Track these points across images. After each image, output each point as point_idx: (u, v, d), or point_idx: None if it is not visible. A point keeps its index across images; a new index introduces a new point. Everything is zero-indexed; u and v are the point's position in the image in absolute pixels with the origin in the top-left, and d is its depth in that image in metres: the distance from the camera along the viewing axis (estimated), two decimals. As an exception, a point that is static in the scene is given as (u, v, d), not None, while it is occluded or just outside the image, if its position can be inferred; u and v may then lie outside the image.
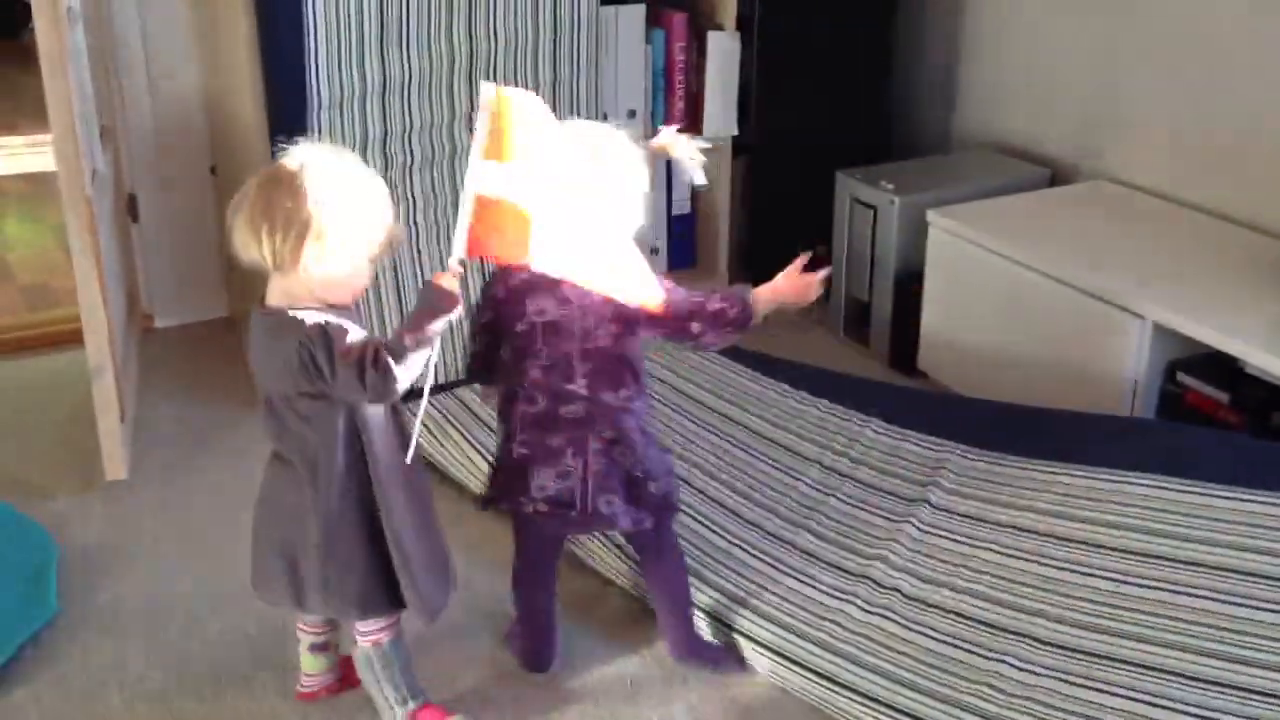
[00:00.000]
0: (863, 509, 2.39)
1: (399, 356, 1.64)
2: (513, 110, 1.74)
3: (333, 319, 1.68)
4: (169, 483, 2.65)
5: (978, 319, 2.87)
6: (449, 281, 1.70)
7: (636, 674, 2.12)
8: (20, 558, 2.35)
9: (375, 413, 1.76)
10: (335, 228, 1.65)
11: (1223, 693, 1.87)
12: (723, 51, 3.31)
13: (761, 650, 2.06)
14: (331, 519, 1.77)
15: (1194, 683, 1.89)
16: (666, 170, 3.48)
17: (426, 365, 1.69)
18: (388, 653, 1.91)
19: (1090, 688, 1.91)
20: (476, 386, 2.19)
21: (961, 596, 2.12)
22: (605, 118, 3.17)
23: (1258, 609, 2.01)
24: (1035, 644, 2.00)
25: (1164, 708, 1.85)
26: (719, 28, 3.32)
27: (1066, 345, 2.66)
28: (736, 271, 3.57)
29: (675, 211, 3.54)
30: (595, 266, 1.79)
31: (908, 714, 1.90)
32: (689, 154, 2.03)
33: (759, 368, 2.92)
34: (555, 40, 3.02)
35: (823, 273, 1.97)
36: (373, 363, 1.63)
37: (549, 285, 1.88)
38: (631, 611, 2.25)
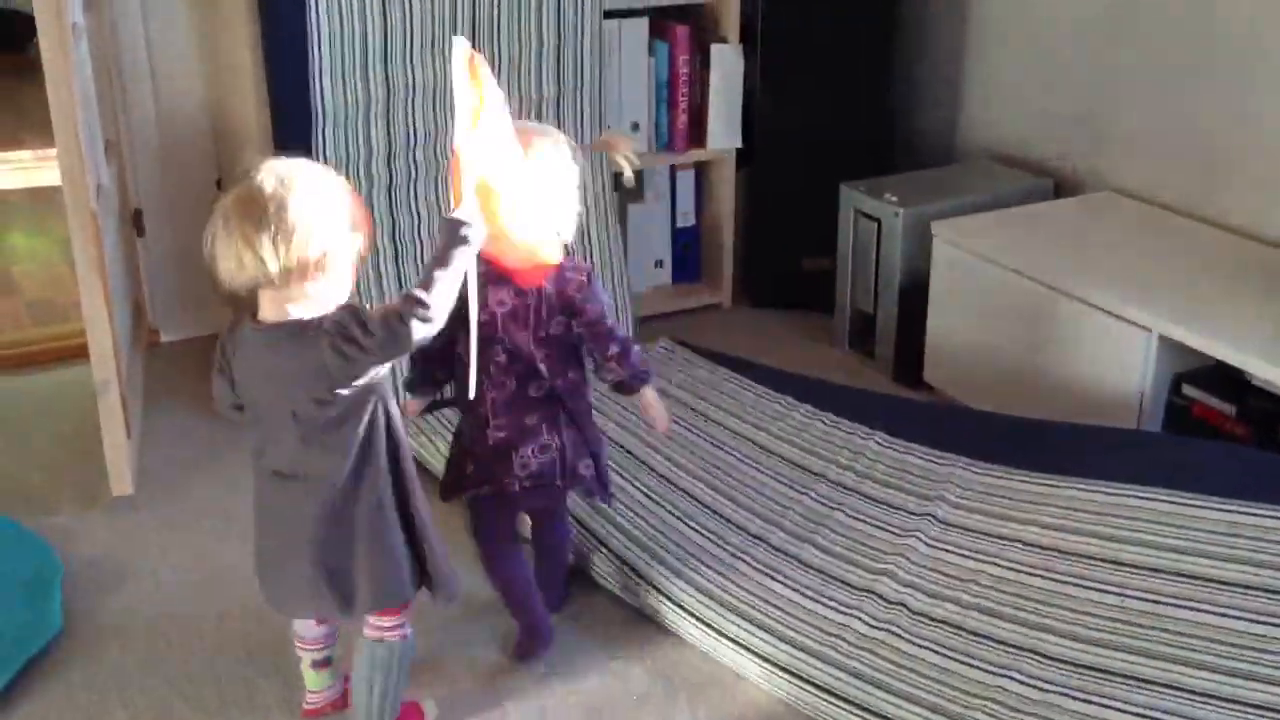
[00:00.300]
0: (868, 523, 2.38)
1: (429, 287, 1.69)
2: (482, 68, 1.79)
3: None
4: (175, 498, 2.65)
5: (983, 331, 2.87)
6: (465, 212, 1.74)
7: (641, 688, 2.11)
8: (25, 574, 2.34)
9: (390, 399, 1.79)
10: (326, 231, 1.67)
11: (1229, 708, 1.86)
12: (726, 64, 3.32)
13: (766, 665, 2.06)
14: (380, 510, 1.79)
15: (1200, 698, 1.89)
16: (671, 184, 3.49)
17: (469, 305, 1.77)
18: (405, 650, 1.91)
19: (1096, 703, 1.90)
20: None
21: (967, 611, 2.11)
22: (609, 130, 3.19)
23: (1266, 624, 2.00)
24: (1041, 659, 1.99)
25: (1171, 723, 1.85)
26: (722, 40, 3.32)
27: (1072, 357, 2.66)
28: (740, 284, 3.58)
29: (679, 224, 3.54)
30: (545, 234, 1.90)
31: (913, 730, 1.90)
32: (625, 151, 2.19)
33: (764, 381, 2.92)
34: (558, 53, 3.02)
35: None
36: (408, 304, 1.67)
37: (504, 277, 1.98)
38: (634, 624, 2.25)
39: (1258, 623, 2.00)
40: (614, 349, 2.05)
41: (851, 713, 1.95)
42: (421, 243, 2.95)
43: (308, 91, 2.73)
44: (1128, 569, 2.16)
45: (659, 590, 2.22)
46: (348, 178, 2.74)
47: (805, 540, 2.34)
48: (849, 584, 2.21)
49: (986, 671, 1.98)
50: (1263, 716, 1.84)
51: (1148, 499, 2.30)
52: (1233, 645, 1.97)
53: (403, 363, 2.01)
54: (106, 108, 2.99)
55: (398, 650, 1.90)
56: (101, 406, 2.54)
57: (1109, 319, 2.56)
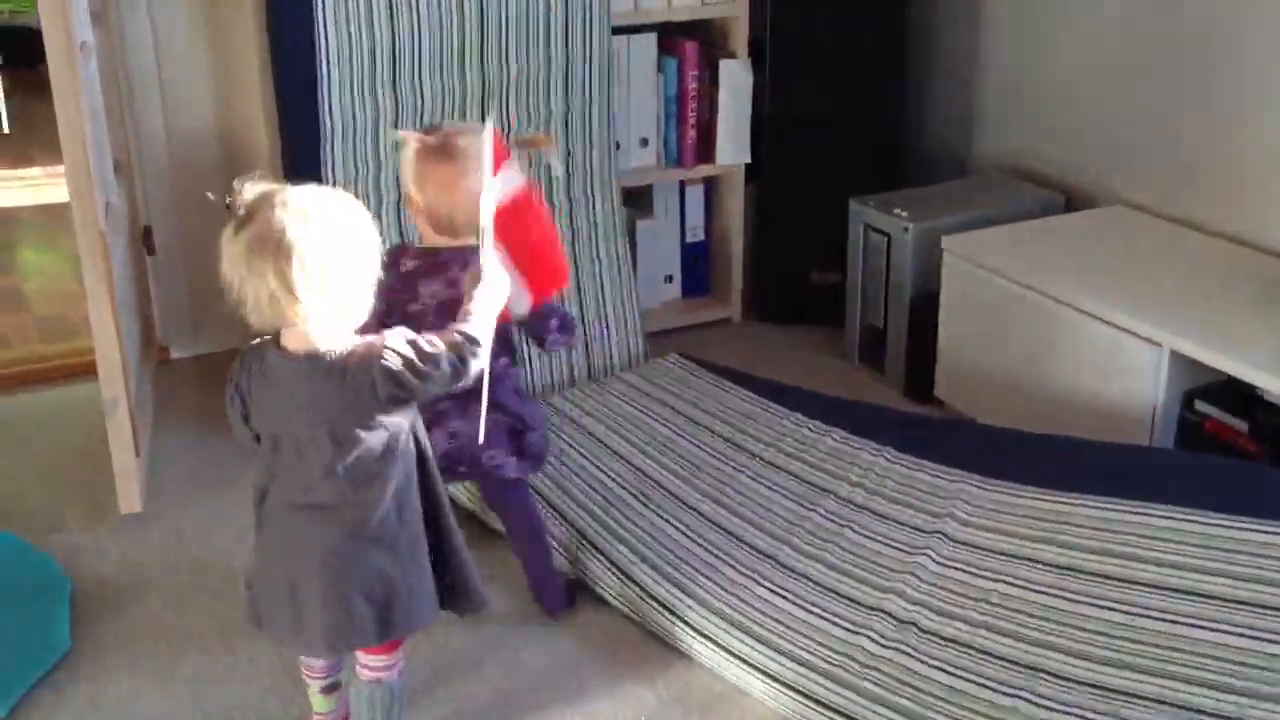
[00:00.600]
0: (878, 540, 2.37)
1: (475, 329, 1.77)
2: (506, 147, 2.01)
3: (372, 337, 1.71)
4: (184, 515, 2.65)
5: (994, 346, 2.85)
6: (490, 270, 1.86)
7: (650, 708, 2.10)
8: (33, 593, 2.35)
9: (420, 424, 1.82)
10: (351, 265, 1.66)
11: (1244, 729, 1.84)
12: (735, 79, 3.31)
13: (775, 684, 2.04)
14: (416, 528, 1.79)
15: (1213, 719, 1.86)
16: (680, 200, 3.49)
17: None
18: (402, 685, 1.90)
19: (1109, 724, 1.88)
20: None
21: (978, 630, 2.10)
22: (618, 146, 3.20)
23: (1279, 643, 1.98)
24: (1053, 679, 1.97)
25: (1184, 744, 1.83)
26: (731, 55, 3.32)
27: (1083, 373, 2.64)
28: (750, 298, 3.57)
29: (688, 239, 3.54)
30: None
31: (924, 751, 1.89)
32: (548, 148, 2.40)
33: (773, 397, 2.91)
34: (567, 70, 3.02)
35: None
36: (468, 342, 1.74)
37: (438, 268, 2.07)
38: (643, 643, 2.24)
39: (1273, 642, 1.98)
40: (555, 321, 2.19)
41: (861, 733, 1.94)
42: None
43: (316, 108, 2.74)
44: (1140, 587, 2.14)
45: (667, 609, 2.21)
46: (356, 193, 2.75)
47: (814, 558, 2.32)
48: (858, 602, 2.20)
49: (998, 692, 1.96)
50: (1277, 737, 1.83)
51: (1160, 516, 2.28)
52: (1247, 665, 1.95)
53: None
54: (116, 126, 3.00)
55: (395, 688, 1.89)
56: (110, 424, 2.54)
57: (1120, 334, 2.54)
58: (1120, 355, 2.55)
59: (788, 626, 2.14)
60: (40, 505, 2.69)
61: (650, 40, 3.25)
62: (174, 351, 3.36)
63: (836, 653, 2.07)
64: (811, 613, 2.18)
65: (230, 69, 3.10)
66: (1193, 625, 2.04)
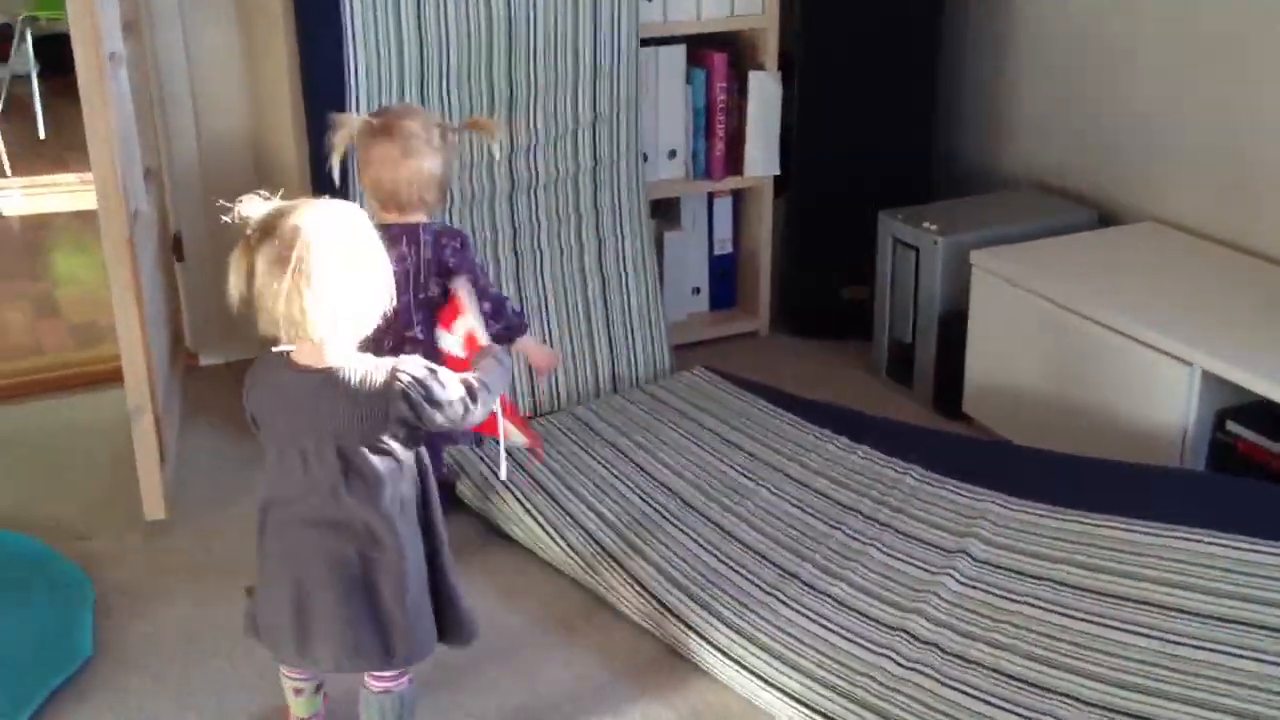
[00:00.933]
0: (901, 560, 2.34)
1: (487, 384, 1.85)
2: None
3: (389, 360, 1.75)
4: (209, 522, 2.66)
5: (1023, 363, 2.82)
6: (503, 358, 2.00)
7: (668, 727, 2.09)
8: (56, 600, 2.36)
9: (424, 450, 1.83)
10: (365, 285, 1.69)
11: (1272, 759, 1.81)
12: (764, 91, 3.30)
13: (796, 704, 2.02)
14: (417, 554, 1.80)
15: (1242, 747, 1.84)
16: (708, 211, 3.47)
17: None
18: (411, 696, 1.90)
19: (1133, 751, 1.85)
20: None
21: (1001, 653, 2.07)
22: (645, 158, 3.19)
23: (1309, 670, 1.95)
24: (1077, 704, 1.95)
25: (1210, 773, 1.80)
26: (760, 67, 3.31)
27: (1113, 391, 2.61)
28: (778, 311, 3.55)
29: (716, 251, 3.52)
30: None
31: (944, 775, 1.86)
32: (493, 132, 2.44)
33: (798, 412, 2.89)
34: (595, 80, 3.02)
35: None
36: (480, 389, 1.82)
37: (390, 243, 2.09)
38: (663, 660, 2.22)
39: (1302, 670, 1.95)
40: (487, 305, 2.29)
41: (881, 755, 1.92)
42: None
43: (345, 118, 2.74)
44: (1169, 612, 2.11)
45: (688, 625, 2.20)
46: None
47: (837, 576, 2.30)
48: (881, 622, 2.17)
49: (1021, 716, 1.93)
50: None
51: (1190, 540, 2.25)
52: (1274, 693, 1.91)
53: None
54: (148, 134, 3.01)
55: (405, 696, 1.89)
56: (135, 432, 2.55)
57: (1150, 353, 2.51)
58: (1150, 374, 2.52)
59: (809, 645, 2.12)
60: (67, 511, 2.70)
61: (679, 52, 3.24)
62: (203, 358, 3.38)
63: (858, 673, 2.05)
64: (834, 632, 2.15)
65: (260, 78, 3.11)
66: (1222, 652, 2.01)
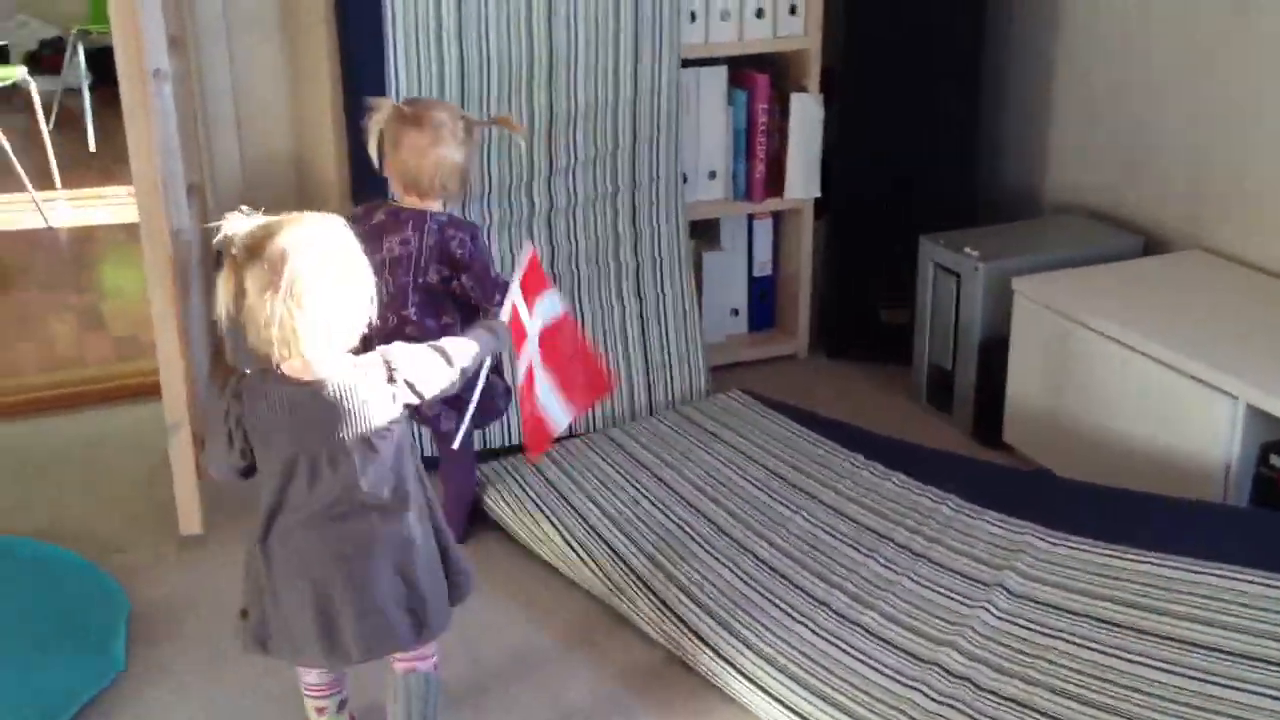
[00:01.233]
0: (935, 591, 2.31)
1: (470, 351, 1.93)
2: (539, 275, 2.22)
3: (376, 357, 1.81)
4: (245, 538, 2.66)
5: (1065, 392, 2.78)
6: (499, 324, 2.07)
7: (695, 756, 2.07)
8: (91, 613, 2.38)
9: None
10: (351, 303, 1.73)
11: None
12: (805, 113, 3.28)
13: (824, 736, 2.00)
14: (429, 529, 1.86)
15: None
16: (748, 233, 3.46)
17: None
18: (437, 678, 1.95)
19: (1169, 794, 1.82)
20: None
21: (1036, 690, 2.03)
22: (685, 179, 3.18)
23: (1353, 715, 1.90)
24: (1111, 744, 1.91)
25: (1248, 820, 1.76)
26: (802, 89, 3.29)
27: (1155, 423, 2.57)
28: (817, 334, 3.53)
29: (756, 273, 3.51)
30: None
31: (974, 813, 1.83)
32: (517, 128, 2.55)
33: (834, 437, 2.86)
34: (635, 101, 3.02)
35: None
36: (449, 357, 1.87)
37: (399, 226, 2.31)
38: (692, 686, 2.20)
39: (1345, 714, 1.90)
40: (499, 297, 2.27)
41: (910, 792, 1.89)
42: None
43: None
44: (1209, 652, 2.06)
45: (716, 652, 2.18)
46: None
47: (869, 606, 2.28)
48: (913, 655, 2.14)
49: (1053, 754, 1.90)
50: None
51: (1231, 577, 2.20)
52: (1317, 737, 1.87)
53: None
54: (191, 151, 3.04)
55: (432, 679, 1.93)
56: (172, 447, 2.57)
57: (1194, 384, 2.47)
58: (1194, 406, 2.47)
59: (839, 676, 2.09)
60: (104, 524, 2.72)
61: (720, 73, 3.24)
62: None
63: (889, 706, 2.02)
64: (864, 663, 2.13)
65: (303, 97, 3.13)
66: (1263, 694, 1.96)
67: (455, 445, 2.37)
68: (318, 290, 1.67)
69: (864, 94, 3.29)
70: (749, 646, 2.17)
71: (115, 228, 4.65)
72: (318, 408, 1.74)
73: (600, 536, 2.51)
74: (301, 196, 3.24)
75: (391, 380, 1.78)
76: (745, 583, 2.35)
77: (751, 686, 2.11)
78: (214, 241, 1.71)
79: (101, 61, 5.60)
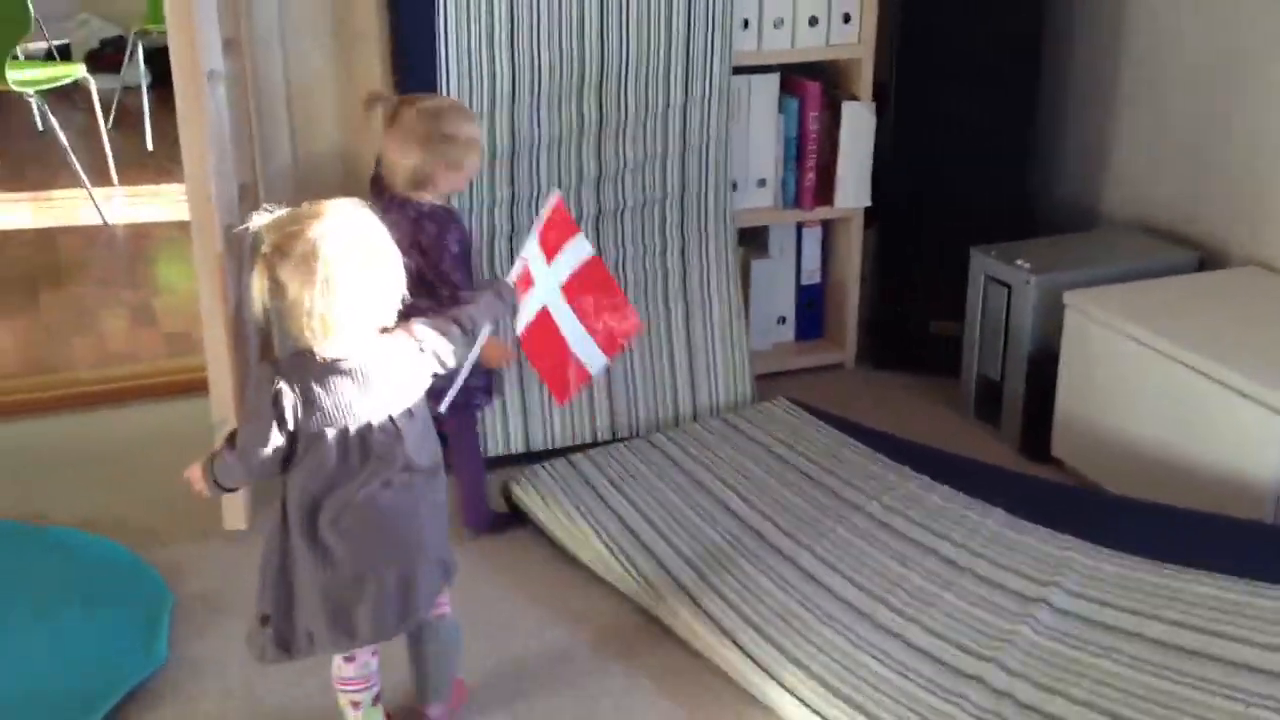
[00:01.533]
0: (979, 606, 2.29)
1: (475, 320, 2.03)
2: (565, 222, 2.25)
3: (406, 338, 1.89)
4: (285, 535, 2.68)
5: (1115, 407, 2.74)
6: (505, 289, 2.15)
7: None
8: (135, 604, 2.40)
9: None
10: (381, 289, 1.80)
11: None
12: (857, 122, 3.26)
13: (862, 750, 1.98)
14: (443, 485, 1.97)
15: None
16: (797, 241, 3.44)
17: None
18: (456, 624, 2.07)
19: (1213, 819, 1.78)
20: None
21: (1079, 708, 2.00)
22: (735, 186, 3.17)
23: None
24: (1155, 766, 1.88)
25: None
26: (854, 97, 3.27)
27: (1206, 440, 2.52)
28: (865, 344, 3.50)
29: (804, 281, 3.49)
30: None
31: (1012, 832, 1.80)
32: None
33: (880, 448, 2.84)
34: (686, 108, 3.01)
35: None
36: (465, 327, 1.98)
37: (390, 211, 2.24)
38: (729, 696, 2.19)
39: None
40: (445, 292, 2.35)
41: (948, 808, 1.86)
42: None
43: (436, 140, 2.77)
44: (1254, 674, 2.02)
45: (757, 663, 2.17)
46: (475, 223, 2.79)
47: (912, 619, 2.25)
48: (955, 669, 2.12)
49: (1095, 775, 1.87)
50: None
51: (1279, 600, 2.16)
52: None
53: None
54: (244, 151, 3.06)
55: (454, 624, 2.06)
56: (218, 443, 2.58)
57: (1245, 402, 2.42)
58: (1245, 424, 2.43)
59: (879, 690, 2.07)
60: (149, 518, 2.75)
61: (772, 81, 3.22)
62: (290, 371, 3.42)
63: (928, 721, 2.00)
64: (905, 677, 2.11)
65: (354, 99, 3.14)
66: (1311, 719, 1.93)
67: (443, 407, 2.32)
68: (350, 276, 1.73)
69: (916, 103, 3.26)
70: (790, 658, 2.16)
71: (170, 225, 4.69)
72: (365, 385, 1.80)
73: (641, 540, 2.50)
74: (351, 193, 3.24)
75: (421, 352, 1.88)
76: (786, 592, 2.34)
77: (792, 698, 2.10)
78: (237, 236, 1.75)
79: (162, 60, 5.68)
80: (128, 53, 5.84)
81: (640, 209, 3.04)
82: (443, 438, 2.38)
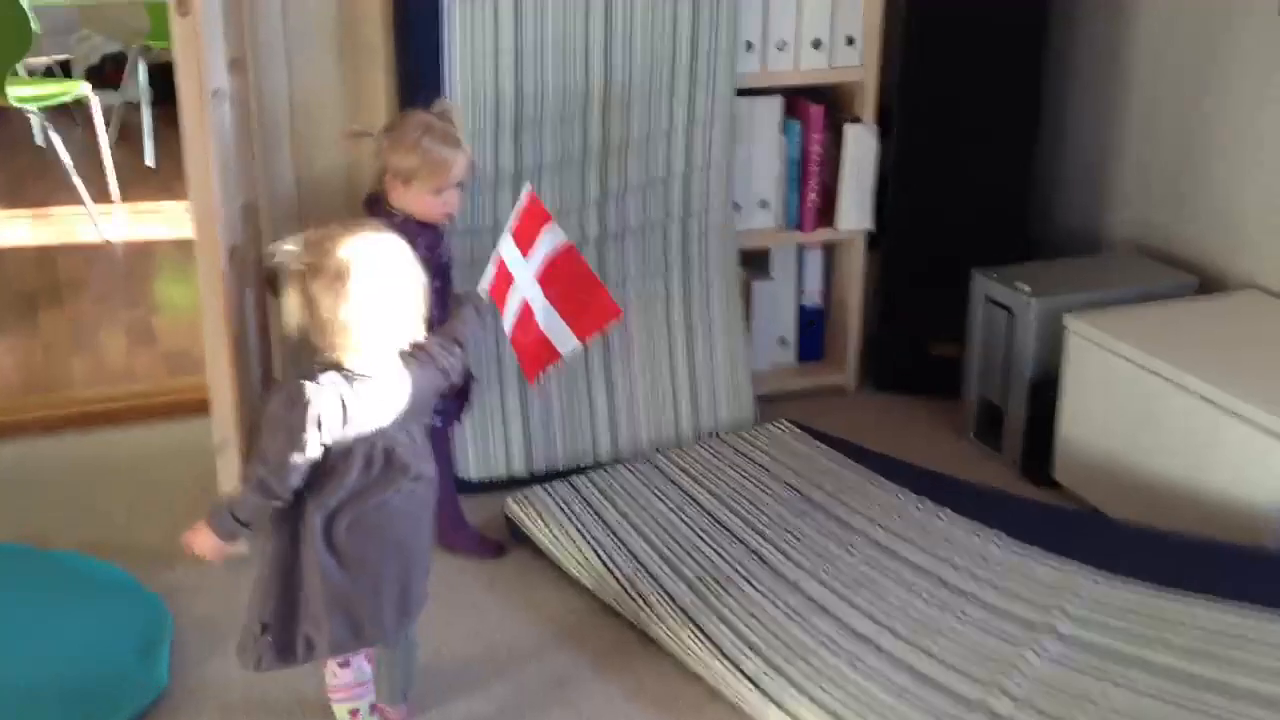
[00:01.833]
0: (982, 631, 2.28)
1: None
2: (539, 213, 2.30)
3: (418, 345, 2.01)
4: (286, 557, 2.67)
5: (1117, 431, 2.74)
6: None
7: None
8: (135, 629, 2.39)
9: None
10: (405, 309, 1.91)
11: None
12: (860, 144, 3.27)
13: (866, 777, 1.98)
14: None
15: None
16: (798, 263, 3.45)
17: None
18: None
19: None
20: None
21: (1082, 735, 2.00)
22: (737, 208, 3.18)
23: None
24: (1160, 795, 1.88)
25: None
26: (857, 120, 3.28)
27: (1208, 465, 2.52)
28: (866, 365, 3.50)
29: (805, 303, 3.49)
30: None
31: None
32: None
33: (882, 471, 2.84)
34: (689, 130, 3.01)
35: None
36: (462, 344, 2.11)
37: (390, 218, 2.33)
38: (716, 716, 2.18)
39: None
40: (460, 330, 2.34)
41: (952, 837, 1.86)
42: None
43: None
44: (1257, 701, 2.02)
45: (761, 689, 2.16)
46: (478, 244, 2.79)
47: (915, 645, 2.25)
48: (959, 696, 2.11)
49: (1100, 803, 1.87)
50: None
51: (1286, 626, 2.16)
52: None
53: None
54: (247, 170, 3.06)
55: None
56: (219, 464, 2.59)
57: (1248, 427, 2.42)
58: (1247, 448, 2.43)
59: (883, 716, 2.07)
60: (150, 541, 2.73)
61: (775, 103, 3.23)
62: (292, 391, 3.41)
63: (932, 748, 2.00)
64: (909, 703, 2.10)
65: (360, 117, 3.15)
66: (1316, 747, 1.92)
67: (437, 421, 2.40)
68: (380, 295, 1.85)
69: (919, 126, 3.27)
70: (792, 682, 2.15)
71: (171, 243, 4.69)
72: (391, 398, 1.91)
73: (640, 562, 2.50)
74: (356, 213, 3.25)
75: (437, 368, 2.00)
76: (789, 617, 2.33)
77: (794, 724, 2.09)
78: (267, 261, 1.80)
79: (164, 77, 5.68)
80: (128, 68, 5.85)
81: (643, 230, 3.04)
82: None
